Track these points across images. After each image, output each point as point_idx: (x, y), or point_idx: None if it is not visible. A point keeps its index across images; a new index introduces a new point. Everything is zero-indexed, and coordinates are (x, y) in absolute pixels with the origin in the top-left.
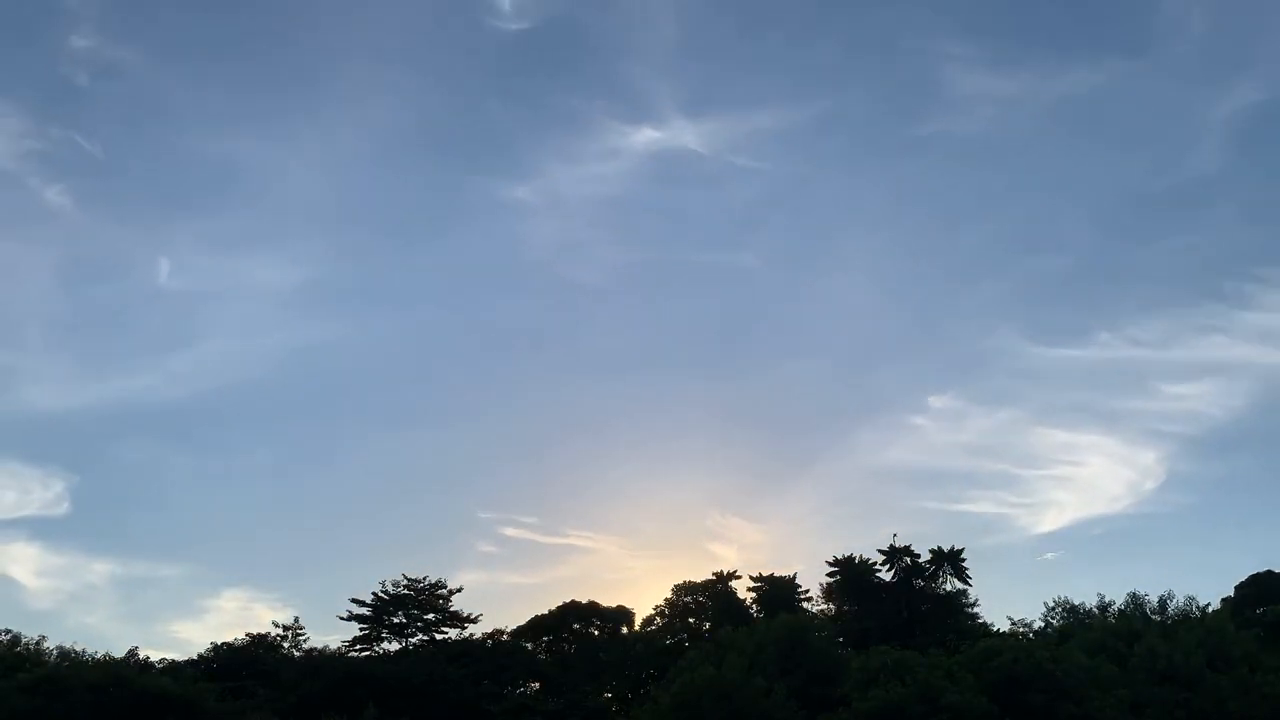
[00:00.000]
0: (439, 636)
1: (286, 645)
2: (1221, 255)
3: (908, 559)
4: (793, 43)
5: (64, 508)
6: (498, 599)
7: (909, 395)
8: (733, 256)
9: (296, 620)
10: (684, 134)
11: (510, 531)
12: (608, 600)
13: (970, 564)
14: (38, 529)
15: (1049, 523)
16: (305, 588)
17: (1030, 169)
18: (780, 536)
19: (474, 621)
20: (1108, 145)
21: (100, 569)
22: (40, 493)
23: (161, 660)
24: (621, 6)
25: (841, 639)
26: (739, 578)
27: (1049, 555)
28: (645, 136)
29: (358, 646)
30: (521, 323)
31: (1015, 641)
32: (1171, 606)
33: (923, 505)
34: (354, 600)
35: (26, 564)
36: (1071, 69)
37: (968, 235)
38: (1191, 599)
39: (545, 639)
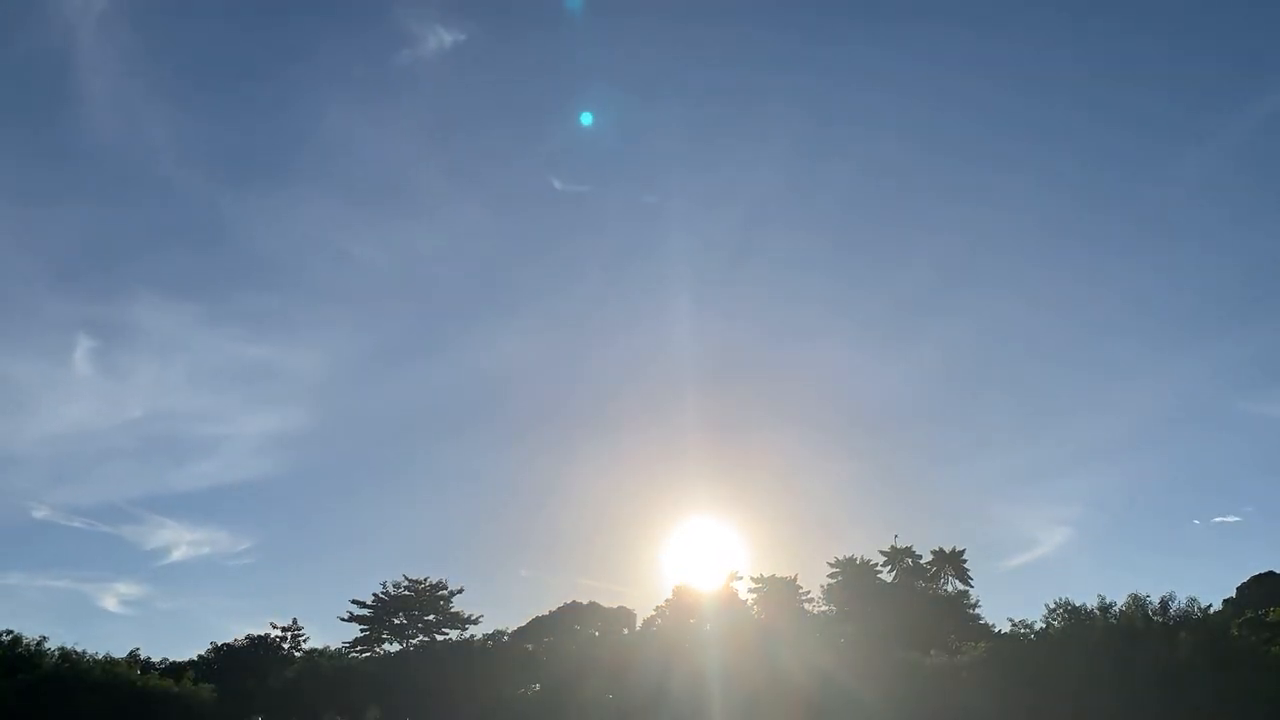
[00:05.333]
0: (439, 637)
1: (286, 646)
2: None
3: (909, 560)
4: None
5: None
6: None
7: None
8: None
9: (295, 621)
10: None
11: (524, 573)
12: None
13: None
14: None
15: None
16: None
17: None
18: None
19: (474, 622)
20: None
21: (170, 602)
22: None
23: (162, 661)
24: None
25: (842, 640)
26: (740, 578)
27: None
28: None
29: (358, 647)
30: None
31: (1016, 642)
32: (1173, 607)
33: None
34: (354, 601)
35: (116, 597)
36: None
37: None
38: (1193, 600)
39: (545, 639)
